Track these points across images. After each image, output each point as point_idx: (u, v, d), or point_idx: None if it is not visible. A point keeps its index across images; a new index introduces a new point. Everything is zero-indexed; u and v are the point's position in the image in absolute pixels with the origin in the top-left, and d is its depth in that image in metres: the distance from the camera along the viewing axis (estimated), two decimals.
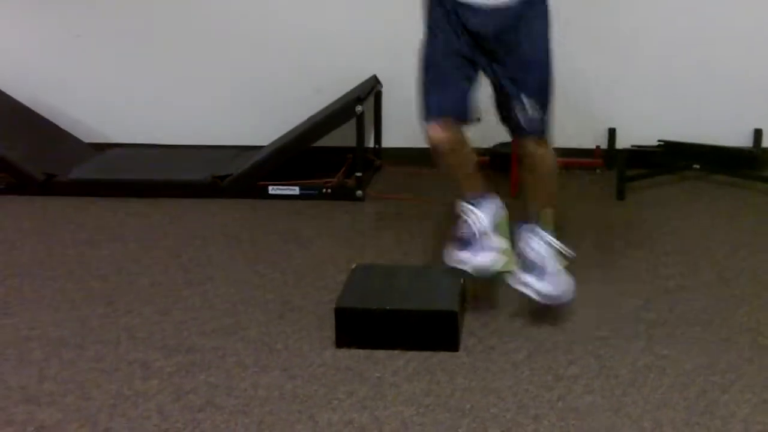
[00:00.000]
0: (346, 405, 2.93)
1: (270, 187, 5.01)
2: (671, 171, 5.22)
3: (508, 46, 3.25)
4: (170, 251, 4.27)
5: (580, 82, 5.37)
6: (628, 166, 4.95)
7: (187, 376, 3.12)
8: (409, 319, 3.28)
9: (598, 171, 5.35)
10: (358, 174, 4.99)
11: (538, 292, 3.39)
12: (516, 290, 3.47)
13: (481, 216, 3.48)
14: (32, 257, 4.23)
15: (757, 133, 5.36)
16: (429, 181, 5.26)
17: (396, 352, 3.24)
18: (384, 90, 5.52)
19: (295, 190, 4.97)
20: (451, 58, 3.28)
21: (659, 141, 5.41)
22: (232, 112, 5.70)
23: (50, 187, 5.12)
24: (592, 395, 2.97)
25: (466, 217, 3.48)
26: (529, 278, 3.40)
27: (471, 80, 3.34)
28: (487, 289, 3.67)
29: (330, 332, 3.33)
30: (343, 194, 4.99)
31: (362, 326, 3.30)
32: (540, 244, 3.45)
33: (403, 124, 5.51)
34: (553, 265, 3.42)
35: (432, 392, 3.00)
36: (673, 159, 5.32)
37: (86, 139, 5.73)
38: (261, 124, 5.54)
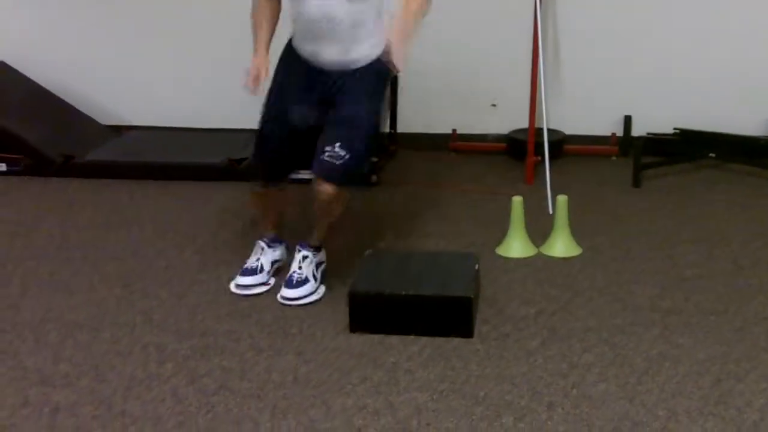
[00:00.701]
0: (360, 390, 2.94)
1: None
2: (687, 159, 5.19)
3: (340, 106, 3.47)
4: (186, 234, 4.28)
5: (596, 69, 5.36)
6: (644, 154, 4.93)
7: (201, 359, 3.13)
8: (424, 304, 3.29)
9: (613, 158, 5.34)
10: (374, 159, 4.98)
11: (283, 297, 3.56)
12: (531, 279, 3.46)
13: (270, 253, 3.75)
14: (49, 239, 4.25)
15: None
16: (444, 167, 5.26)
17: (410, 337, 3.25)
18: (400, 75, 5.50)
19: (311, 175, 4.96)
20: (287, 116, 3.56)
21: (675, 129, 5.39)
22: (249, 96, 5.68)
23: (68, 168, 5.14)
24: (606, 383, 2.96)
25: (258, 250, 3.75)
26: (285, 289, 3.58)
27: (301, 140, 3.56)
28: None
29: (344, 317, 3.34)
30: (358, 180, 4.97)
31: (376, 311, 3.31)
32: (303, 260, 3.63)
33: (419, 110, 5.52)
34: (304, 275, 3.60)
35: (446, 378, 3.00)
36: (689, 147, 5.29)
37: (104, 122, 5.74)
38: None
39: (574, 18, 5.30)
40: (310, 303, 3.53)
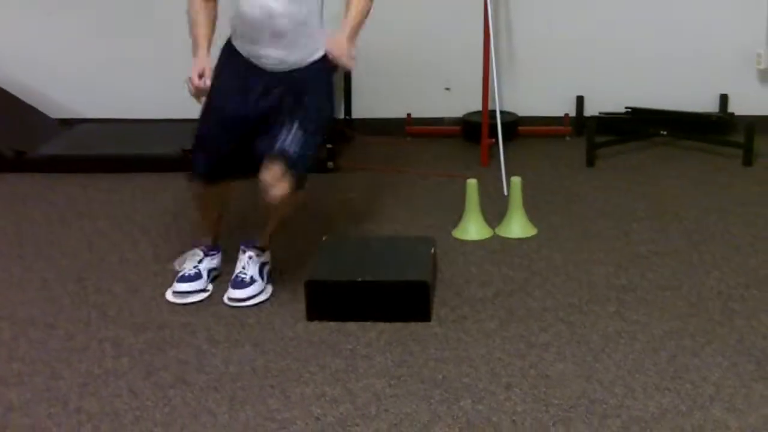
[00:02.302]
0: (319, 378, 2.93)
1: None
2: (639, 137, 5.23)
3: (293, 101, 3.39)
4: (141, 227, 4.24)
5: (548, 51, 5.37)
6: (597, 133, 4.96)
7: (157, 353, 3.11)
8: (381, 290, 3.28)
9: (567, 138, 5.36)
10: (329, 145, 4.97)
11: (230, 298, 3.48)
12: (488, 261, 3.47)
13: (208, 261, 3.65)
14: (1, 236, 4.19)
15: (723, 99, 5.38)
16: (401, 151, 5.26)
17: (368, 323, 3.24)
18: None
19: None
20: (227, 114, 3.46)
21: (627, 108, 5.43)
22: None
23: (20, 164, 5.07)
24: (564, 362, 2.98)
25: (195, 258, 3.64)
26: (232, 290, 3.50)
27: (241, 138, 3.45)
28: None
29: (301, 305, 3.32)
30: (315, 166, 4.95)
31: (333, 299, 3.30)
32: (248, 260, 3.56)
33: (374, 95, 5.51)
34: (249, 275, 3.53)
35: (404, 363, 3.00)
36: (641, 125, 5.34)
37: (54, 115, 5.67)
38: None
39: (526, 0, 5.31)
40: (258, 303, 3.47)
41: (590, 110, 5.43)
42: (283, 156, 3.28)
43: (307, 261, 3.54)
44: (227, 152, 3.48)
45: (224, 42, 3.49)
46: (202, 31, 3.46)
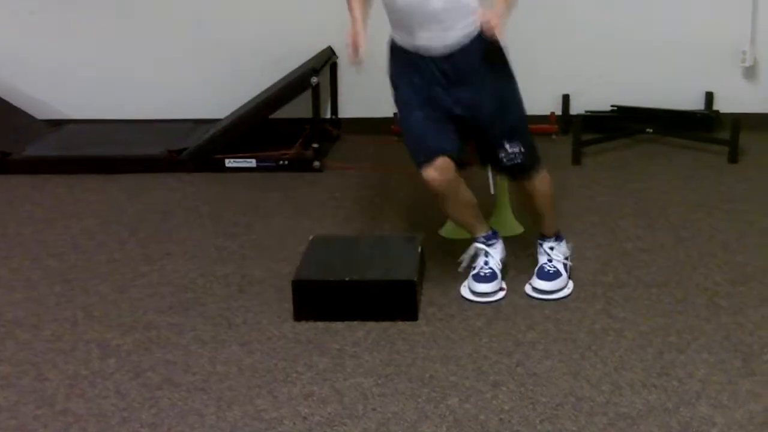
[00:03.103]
0: (306, 378, 2.93)
1: (227, 160, 4.98)
2: (625, 135, 5.25)
3: (473, 90, 3.28)
4: (127, 227, 4.23)
5: (532, 49, 5.37)
6: (583, 131, 4.97)
7: (144, 353, 3.10)
8: (368, 289, 3.28)
9: (553, 137, 5.36)
10: (316, 145, 4.98)
11: (536, 288, 3.45)
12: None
13: (494, 253, 3.51)
14: None
15: (709, 96, 5.39)
16: (387, 151, 5.26)
17: (355, 323, 3.24)
18: (340, 61, 5.50)
19: (252, 163, 4.95)
20: (424, 108, 3.32)
21: (612, 106, 5.44)
22: (187, 85, 5.65)
23: (5, 165, 5.06)
24: (551, 360, 2.99)
25: (481, 255, 3.51)
26: (536, 280, 3.47)
27: (450, 123, 3.34)
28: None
29: (289, 305, 3.32)
30: (301, 165, 4.97)
31: (320, 298, 3.30)
32: (547, 254, 3.53)
33: (360, 95, 5.51)
34: (555, 268, 3.49)
35: (392, 362, 3.00)
36: (627, 123, 5.35)
37: (39, 116, 5.66)
38: (217, 96, 5.50)
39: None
40: (561, 298, 3.43)
41: (576, 108, 5.44)
42: (522, 168, 3.38)
43: (295, 261, 3.54)
44: (439, 128, 3.33)
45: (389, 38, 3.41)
46: (355, 9, 3.33)
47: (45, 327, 3.31)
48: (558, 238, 3.56)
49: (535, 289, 3.45)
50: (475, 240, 3.53)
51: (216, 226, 4.21)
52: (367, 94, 5.53)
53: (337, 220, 4.26)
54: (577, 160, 4.91)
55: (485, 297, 3.41)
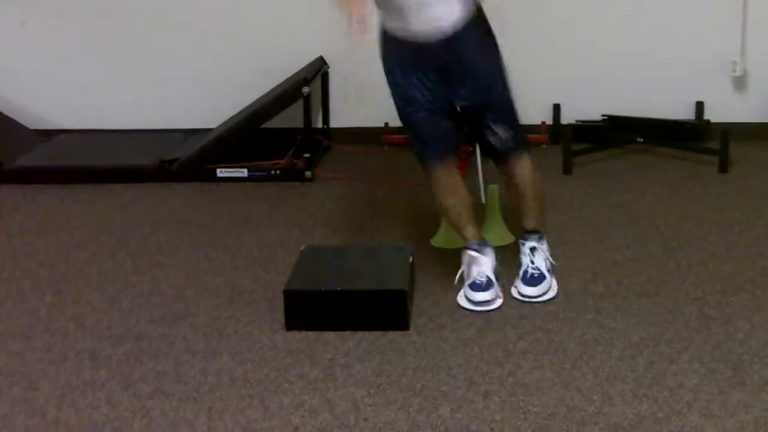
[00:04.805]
0: (297, 388, 2.93)
1: (219, 170, 4.98)
2: (616, 145, 5.26)
3: (462, 71, 3.31)
4: (118, 238, 4.23)
5: (524, 60, 5.36)
6: (574, 141, 4.98)
7: (135, 364, 3.10)
8: (359, 299, 3.29)
9: (544, 146, 5.37)
10: (307, 155, 4.98)
11: (522, 294, 3.47)
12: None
13: (487, 261, 3.50)
14: None
15: (699, 106, 5.41)
16: (378, 161, 5.26)
17: (346, 333, 3.24)
18: (331, 71, 5.51)
19: (243, 173, 4.95)
20: (426, 103, 3.36)
21: (603, 116, 5.45)
22: (179, 96, 5.65)
23: None
24: (542, 370, 2.99)
25: (474, 264, 3.49)
26: (522, 286, 3.50)
27: (444, 112, 3.39)
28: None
29: (280, 315, 3.32)
30: (293, 176, 4.98)
31: (311, 308, 3.30)
32: (533, 252, 3.54)
33: (351, 105, 5.52)
34: (539, 271, 3.51)
35: (383, 372, 3.00)
36: (618, 133, 5.36)
37: (31, 126, 5.65)
38: (208, 107, 5.50)
39: (501, 9, 5.32)
40: (548, 300, 3.46)
41: (567, 118, 5.45)
42: (508, 148, 3.40)
43: (286, 271, 3.54)
44: (445, 126, 3.42)
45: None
46: None
47: (36, 337, 3.31)
48: (541, 235, 3.58)
49: (521, 294, 3.47)
50: (468, 248, 3.53)
51: (207, 236, 4.21)
52: (358, 103, 5.56)
53: (329, 229, 4.26)
54: (567, 170, 4.93)
55: (484, 306, 3.41)
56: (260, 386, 2.94)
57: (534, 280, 3.47)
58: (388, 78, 3.42)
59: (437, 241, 4.01)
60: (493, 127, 3.38)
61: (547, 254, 3.57)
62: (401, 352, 3.13)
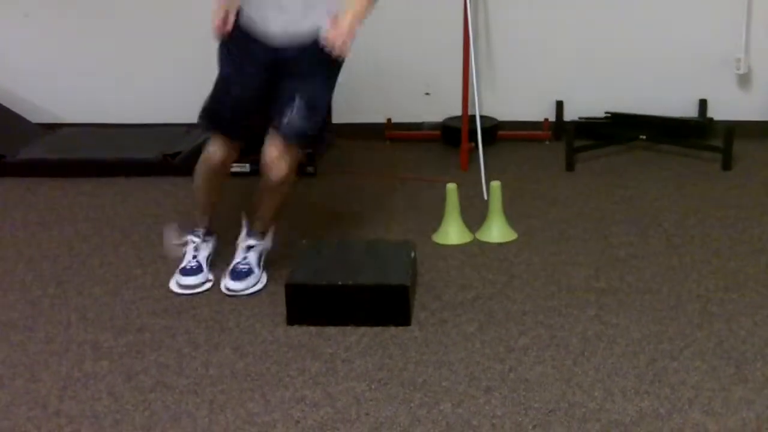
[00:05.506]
0: (299, 382, 2.93)
1: None
2: (619, 142, 5.25)
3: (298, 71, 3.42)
4: (121, 231, 4.23)
5: (527, 56, 5.39)
6: (576, 138, 4.98)
7: (137, 356, 3.11)
8: (361, 294, 3.29)
9: (547, 143, 5.37)
10: (309, 150, 4.97)
11: (228, 288, 3.56)
12: (468, 265, 3.48)
13: (204, 249, 3.72)
14: None
15: (702, 103, 5.40)
16: (380, 156, 5.26)
17: (348, 327, 3.25)
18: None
19: (246, 168, 4.93)
20: (240, 88, 3.50)
21: (606, 113, 5.45)
22: (181, 89, 5.62)
23: (0, 168, 5.05)
24: (543, 366, 2.99)
25: (191, 249, 3.70)
26: (229, 281, 3.58)
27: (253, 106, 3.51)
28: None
29: (282, 309, 3.33)
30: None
31: (313, 302, 3.30)
32: (249, 249, 3.65)
33: (354, 100, 5.51)
34: (248, 266, 3.62)
35: (384, 367, 3.01)
36: (621, 130, 5.35)
37: (34, 120, 5.65)
38: None
39: (505, 5, 5.33)
40: (253, 293, 3.54)
41: (570, 115, 5.45)
42: (285, 134, 3.40)
43: (287, 265, 3.54)
44: (244, 109, 3.55)
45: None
46: None
47: (38, 329, 3.31)
48: (264, 236, 3.68)
49: (227, 288, 3.56)
50: (192, 232, 3.73)
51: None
52: (360, 99, 5.55)
53: (330, 224, 4.26)
54: (570, 166, 4.92)
55: (190, 289, 3.56)
56: (262, 380, 2.95)
57: (241, 274, 3.57)
58: (220, 58, 3.61)
59: (439, 236, 4.01)
60: (297, 102, 3.38)
61: (267, 247, 3.70)
62: (403, 347, 3.13)
